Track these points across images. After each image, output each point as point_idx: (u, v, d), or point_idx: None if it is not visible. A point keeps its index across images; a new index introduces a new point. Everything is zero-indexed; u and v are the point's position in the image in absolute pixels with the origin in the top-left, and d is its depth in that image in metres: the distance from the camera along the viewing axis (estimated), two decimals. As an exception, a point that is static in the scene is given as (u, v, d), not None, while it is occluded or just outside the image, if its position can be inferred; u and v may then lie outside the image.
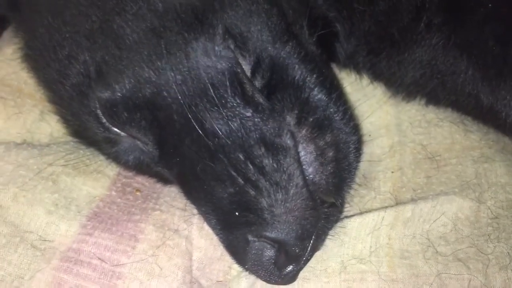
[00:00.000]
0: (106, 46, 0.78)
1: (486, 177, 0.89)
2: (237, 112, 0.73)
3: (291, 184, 0.72)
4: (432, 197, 0.88)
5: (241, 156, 0.72)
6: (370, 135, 0.98)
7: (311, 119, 0.75)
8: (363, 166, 0.93)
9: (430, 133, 0.96)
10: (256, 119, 0.73)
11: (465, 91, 0.89)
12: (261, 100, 0.74)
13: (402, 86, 0.97)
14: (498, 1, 0.81)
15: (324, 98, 0.77)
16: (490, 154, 0.92)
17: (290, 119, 0.74)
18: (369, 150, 0.96)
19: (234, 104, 0.73)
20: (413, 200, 0.88)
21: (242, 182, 0.72)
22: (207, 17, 0.76)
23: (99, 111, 0.80)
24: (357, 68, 1.00)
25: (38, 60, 0.90)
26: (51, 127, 0.98)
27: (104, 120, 0.80)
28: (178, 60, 0.75)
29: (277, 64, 0.76)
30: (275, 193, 0.71)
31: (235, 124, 0.73)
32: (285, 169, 0.71)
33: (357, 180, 0.90)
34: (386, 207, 0.87)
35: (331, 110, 0.77)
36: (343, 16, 0.91)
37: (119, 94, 0.77)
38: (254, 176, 0.71)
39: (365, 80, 1.01)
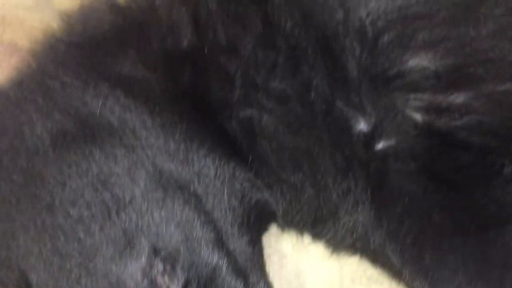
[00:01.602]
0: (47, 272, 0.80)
1: None
2: None
3: None
4: None
5: None
6: (314, 297, 1.01)
7: None
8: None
9: (371, 290, 1.00)
10: None
11: (395, 268, 0.93)
12: None
13: (341, 247, 1.01)
14: (413, 199, 0.83)
15: None
16: (426, 313, 0.96)
17: None
18: (313, 313, 1.00)
19: None
20: None
21: None
22: (136, 239, 0.78)
23: None
24: (298, 229, 1.04)
25: None
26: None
27: None
28: None
29: (206, 283, 0.79)
30: None
31: None
32: None
33: None
34: None
35: None
36: (277, 198, 0.95)
37: None
38: None
39: (307, 238, 1.04)
